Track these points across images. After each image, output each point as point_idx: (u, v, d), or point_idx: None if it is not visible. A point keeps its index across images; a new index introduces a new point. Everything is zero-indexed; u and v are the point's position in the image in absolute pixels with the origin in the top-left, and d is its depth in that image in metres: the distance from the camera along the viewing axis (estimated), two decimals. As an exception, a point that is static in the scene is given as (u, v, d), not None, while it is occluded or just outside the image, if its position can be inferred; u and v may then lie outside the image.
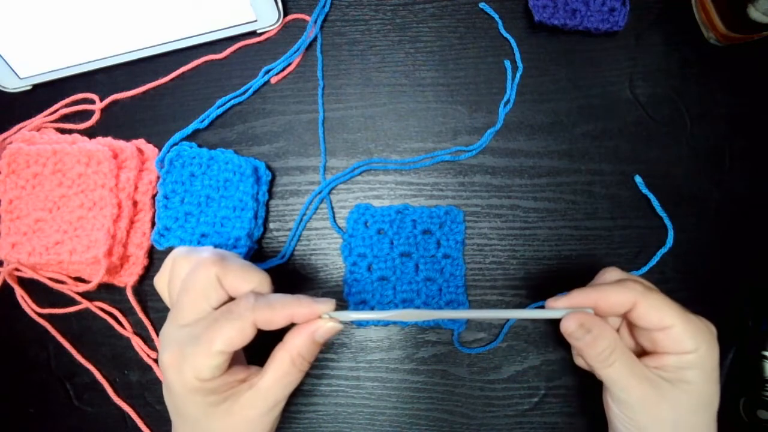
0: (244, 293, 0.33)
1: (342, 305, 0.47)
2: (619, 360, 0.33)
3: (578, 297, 0.34)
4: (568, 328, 0.34)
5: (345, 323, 0.34)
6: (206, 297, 0.32)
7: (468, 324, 0.47)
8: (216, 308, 0.33)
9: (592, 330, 0.33)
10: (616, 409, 0.35)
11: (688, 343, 0.33)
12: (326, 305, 0.33)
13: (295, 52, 0.49)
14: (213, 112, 0.49)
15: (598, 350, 0.33)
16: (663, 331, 0.33)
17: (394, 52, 0.50)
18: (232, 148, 0.48)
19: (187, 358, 0.31)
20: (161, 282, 0.36)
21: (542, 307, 0.46)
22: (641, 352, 0.36)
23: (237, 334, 0.31)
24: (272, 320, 0.32)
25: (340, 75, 0.50)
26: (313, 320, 0.33)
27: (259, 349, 0.35)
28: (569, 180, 0.48)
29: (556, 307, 0.35)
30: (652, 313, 0.33)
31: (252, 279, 0.33)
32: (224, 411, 0.32)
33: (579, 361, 0.39)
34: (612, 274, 0.37)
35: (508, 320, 0.47)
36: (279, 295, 0.33)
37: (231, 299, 0.34)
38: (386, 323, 0.46)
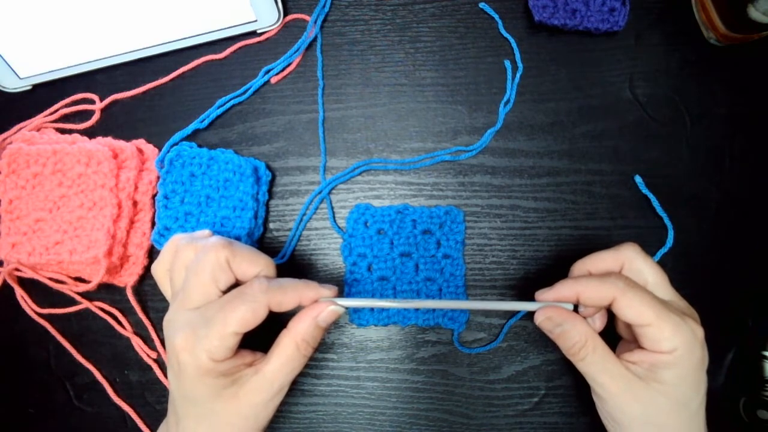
0: (253, 276, 0.34)
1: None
2: (591, 355, 0.34)
3: (562, 289, 0.35)
4: (537, 319, 0.36)
5: (346, 309, 0.36)
6: (215, 280, 0.33)
7: (468, 324, 0.47)
8: (224, 291, 0.34)
9: (563, 324, 0.35)
10: (596, 401, 0.37)
11: (663, 343, 0.33)
12: (330, 290, 0.35)
13: (295, 52, 0.49)
14: (213, 112, 0.49)
15: (568, 344, 0.35)
16: (641, 328, 0.33)
17: (394, 52, 0.50)
18: (232, 148, 0.48)
19: (201, 339, 0.31)
20: (161, 269, 0.36)
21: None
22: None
23: (251, 315, 0.32)
24: (283, 302, 0.33)
25: (340, 75, 0.50)
26: (315, 305, 0.34)
27: (257, 339, 0.35)
28: (569, 180, 0.48)
29: (541, 299, 0.37)
30: (629, 311, 0.33)
31: (259, 263, 0.35)
32: (231, 395, 0.33)
33: None
34: (614, 255, 0.37)
35: (505, 318, 0.47)
36: (288, 279, 0.35)
37: (236, 284, 0.35)
38: (386, 323, 0.46)
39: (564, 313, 0.35)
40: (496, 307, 0.41)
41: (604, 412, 0.36)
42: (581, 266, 0.38)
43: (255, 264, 0.35)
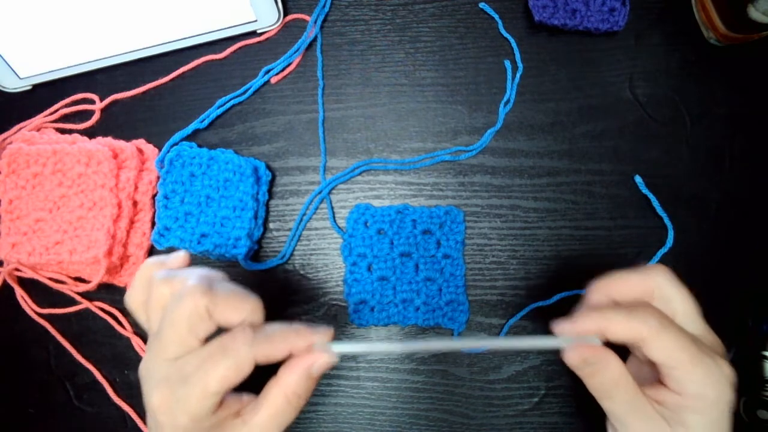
0: (237, 323, 0.31)
1: (342, 307, 0.47)
2: (620, 395, 0.31)
3: (584, 323, 0.32)
4: (569, 362, 0.32)
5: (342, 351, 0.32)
6: (194, 331, 0.30)
7: (468, 324, 0.47)
8: (204, 340, 0.30)
9: (594, 364, 0.31)
10: None
11: (691, 387, 0.30)
12: (324, 334, 0.31)
13: (295, 52, 0.49)
14: (213, 112, 0.49)
15: (598, 382, 0.32)
16: (669, 368, 0.31)
17: (394, 52, 0.50)
18: (232, 148, 0.48)
19: (179, 400, 0.29)
20: (135, 301, 0.33)
21: (541, 306, 0.47)
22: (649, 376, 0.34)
23: (234, 373, 0.29)
24: (271, 355, 0.30)
25: (340, 75, 0.50)
26: (308, 353, 0.31)
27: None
28: (569, 180, 0.48)
29: (561, 334, 0.33)
30: (660, 352, 0.30)
31: (244, 308, 0.31)
32: None
33: None
34: (642, 279, 0.33)
35: (505, 318, 0.47)
36: (276, 327, 0.31)
37: (219, 329, 0.31)
38: (386, 323, 0.46)
39: (596, 351, 0.31)
40: (512, 345, 0.35)
41: None
42: (602, 289, 0.34)
43: (239, 310, 0.30)
